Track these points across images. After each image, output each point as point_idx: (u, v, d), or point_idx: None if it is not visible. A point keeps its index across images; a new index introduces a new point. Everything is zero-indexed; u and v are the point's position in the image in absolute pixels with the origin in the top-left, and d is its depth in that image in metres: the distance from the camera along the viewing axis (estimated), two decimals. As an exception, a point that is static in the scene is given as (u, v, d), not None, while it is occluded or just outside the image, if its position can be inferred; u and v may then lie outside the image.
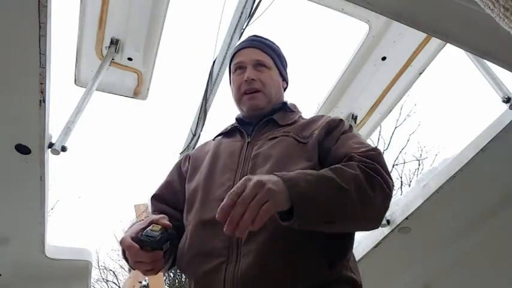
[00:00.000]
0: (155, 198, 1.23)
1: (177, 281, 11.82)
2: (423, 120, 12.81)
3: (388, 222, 1.95)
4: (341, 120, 1.16)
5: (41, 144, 1.58)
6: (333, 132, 1.11)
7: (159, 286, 3.25)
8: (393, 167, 10.63)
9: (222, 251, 0.95)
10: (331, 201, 0.87)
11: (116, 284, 14.35)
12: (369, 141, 1.73)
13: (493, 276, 2.23)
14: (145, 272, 0.97)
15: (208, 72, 2.27)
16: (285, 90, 1.37)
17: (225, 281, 0.92)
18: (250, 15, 2.01)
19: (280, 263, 0.92)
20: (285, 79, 1.37)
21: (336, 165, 0.95)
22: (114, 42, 1.98)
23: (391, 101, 2.47)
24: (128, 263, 0.99)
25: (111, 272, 14.61)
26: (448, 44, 1.77)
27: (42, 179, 1.68)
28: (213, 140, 1.29)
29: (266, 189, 0.80)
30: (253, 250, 0.92)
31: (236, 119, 1.30)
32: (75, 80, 2.08)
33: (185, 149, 2.44)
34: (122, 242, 0.94)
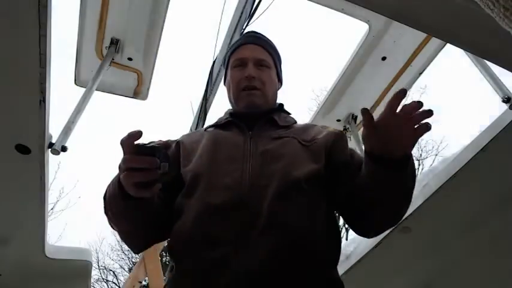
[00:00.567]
0: None
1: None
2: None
3: (388, 222, 1.95)
4: (344, 133, 1.23)
5: (41, 144, 1.58)
6: (342, 144, 1.17)
7: (159, 286, 3.25)
8: (393, 167, 10.61)
9: (230, 239, 0.94)
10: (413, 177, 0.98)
11: (116, 284, 14.36)
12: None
13: (493, 276, 2.23)
14: (135, 188, 0.88)
15: (208, 72, 2.27)
16: (278, 90, 1.38)
17: (231, 273, 0.90)
18: (250, 15, 2.01)
19: (294, 257, 0.93)
20: (280, 80, 1.38)
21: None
22: (114, 42, 1.98)
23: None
24: (119, 177, 0.91)
25: (111, 272, 14.62)
26: (448, 44, 1.77)
27: (42, 179, 1.68)
28: (205, 130, 1.28)
29: None
30: (267, 245, 0.92)
31: (230, 113, 1.28)
32: (75, 80, 2.08)
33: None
34: (122, 142, 0.86)
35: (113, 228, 1.08)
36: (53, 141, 1.63)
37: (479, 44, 1.37)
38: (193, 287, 0.93)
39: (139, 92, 2.29)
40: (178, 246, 1.00)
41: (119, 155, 0.93)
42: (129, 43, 2.03)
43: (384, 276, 2.23)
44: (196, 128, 2.41)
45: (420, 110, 0.89)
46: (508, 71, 1.47)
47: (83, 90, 1.89)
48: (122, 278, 14.04)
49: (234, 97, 1.29)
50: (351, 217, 1.10)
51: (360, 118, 2.58)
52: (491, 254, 2.11)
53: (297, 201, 1.00)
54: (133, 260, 13.64)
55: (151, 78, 2.25)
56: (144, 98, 2.34)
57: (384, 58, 2.22)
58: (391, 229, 1.94)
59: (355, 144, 2.54)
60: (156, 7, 1.93)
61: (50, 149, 1.62)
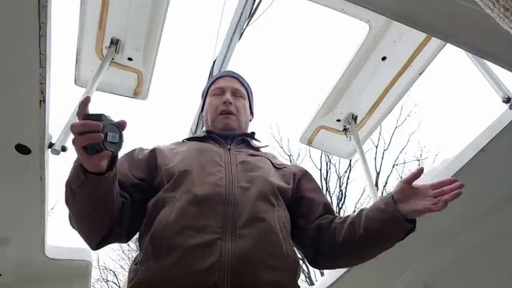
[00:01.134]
0: None
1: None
2: (423, 121, 12.79)
3: (388, 222, 1.94)
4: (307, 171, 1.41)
5: (41, 144, 1.58)
6: (308, 176, 1.37)
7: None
8: (393, 167, 10.64)
9: (216, 229, 1.02)
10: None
11: (116, 284, 14.36)
12: (369, 141, 1.77)
13: (493, 276, 2.23)
14: (85, 154, 0.91)
15: (208, 72, 2.27)
16: (251, 121, 1.55)
17: (221, 253, 0.98)
18: (250, 15, 2.01)
19: (276, 249, 1.05)
20: (252, 112, 1.56)
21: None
22: (114, 42, 1.98)
23: (391, 101, 2.47)
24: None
25: (111, 272, 14.62)
26: (448, 44, 1.77)
27: (42, 179, 1.68)
28: (183, 141, 1.41)
29: None
30: (251, 235, 1.03)
31: (207, 131, 1.43)
32: (75, 80, 2.08)
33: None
34: (77, 113, 0.94)
35: (71, 222, 1.13)
36: (53, 141, 1.63)
37: (479, 44, 1.37)
38: (180, 265, 0.97)
39: (139, 92, 2.29)
40: (162, 233, 1.03)
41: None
42: (129, 43, 2.03)
43: (383, 276, 2.23)
44: (196, 128, 2.41)
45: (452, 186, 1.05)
46: (508, 71, 1.47)
47: (83, 90, 1.89)
48: (121, 278, 14.04)
49: (211, 120, 1.44)
50: (310, 249, 1.22)
51: (360, 118, 2.58)
52: (491, 254, 2.11)
53: (273, 204, 1.14)
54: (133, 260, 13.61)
55: (151, 79, 2.25)
56: (144, 98, 2.34)
57: (383, 58, 2.22)
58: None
59: (355, 144, 2.54)
60: (156, 7, 1.93)
61: (50, 149, 1.62)
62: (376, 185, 10.04)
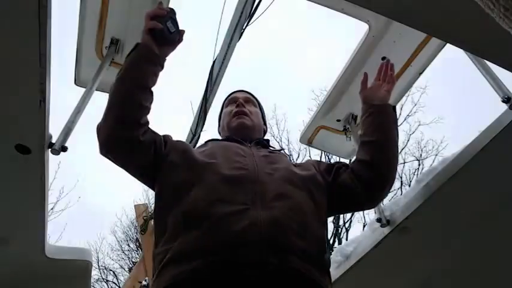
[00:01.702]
0: None
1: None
2: (423, 120, 12.80)
3: (388, 222, 1.94)
4: None
5: (41, 144, 1.58)
6: (322, 162, 1.53)
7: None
8: (393, 167, 10.60)
9: (246, 201, 1.11)
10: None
11: (116, 284, 14.37)
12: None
13: (493, 276, 2.23)
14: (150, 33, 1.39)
15: (208, 72, 2.27)
16: (264, 133, 1.69)
17: (254, 218, 1.05)
18: (250, 15, 2.01)
19: (303, 223, 1.13)
20: (265, 123, 1.72)
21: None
22: (114, 42, 1.98)
23: (391, 101, 2.46)
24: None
25: (111, 272, 14.63)
26: (448, 44, 1.77)
27: (42, 179, 1.68)
28: (205, 142, 1.55)
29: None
30: (279, 207, 1.11)
31: (226, 136, 1.57)
32: (75, 80, 2.08)
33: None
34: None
35: (112, 101, 1.32)
36: (53, 141, 1.63)
37: (479, 44, 1.37)
38: (213, 230, 1.04)
39: (139, 92, 2.28)
40: (198, 207, 1.11)
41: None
42: (129, 43, 2.03)
43: (383, 276, 2.23)
44: (196, 128, 2.41)
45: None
46: (508, 71, 1.47)
47: (83, 90, 1.88)
48: (122, 278, 14.04)
49: (227, 124, 1.60)
50: (360, 183, 1.37)
51: (359, 118, 2.57)
52: (491, 254, 2.11)
53: (299, 187, 1.24)
54: (133, 260, 13.65)
55: (151, 78, 2.24)
56: (144, 98, 2.33)
57: (383, 58, 2.22)
58: (390, 229, 1.95)
59: (355, 144, 2.54)
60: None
61: (50, 149, 1.62)
62: (376, 185, 9.98)
